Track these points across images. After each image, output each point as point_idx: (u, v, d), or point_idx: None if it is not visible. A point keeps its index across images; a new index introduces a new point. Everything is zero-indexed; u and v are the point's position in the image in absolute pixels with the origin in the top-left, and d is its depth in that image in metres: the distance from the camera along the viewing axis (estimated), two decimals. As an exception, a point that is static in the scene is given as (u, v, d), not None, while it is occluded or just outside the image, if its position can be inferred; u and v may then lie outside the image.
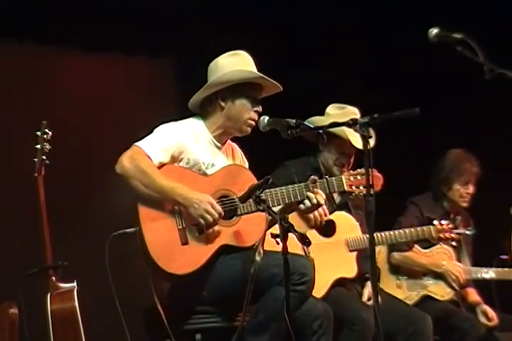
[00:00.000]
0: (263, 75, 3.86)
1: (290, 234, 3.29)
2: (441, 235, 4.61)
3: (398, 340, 4.41)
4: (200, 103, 3.94)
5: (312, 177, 3.79)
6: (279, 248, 3.28)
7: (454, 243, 4.88)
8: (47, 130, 4.20)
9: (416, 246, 4.95)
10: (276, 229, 3.36)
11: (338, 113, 4.51)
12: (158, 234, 3.66)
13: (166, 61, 6.22)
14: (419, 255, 4.99)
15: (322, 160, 4.62)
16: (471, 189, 5.09)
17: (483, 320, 4.97)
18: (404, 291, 4.98)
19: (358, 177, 3.78)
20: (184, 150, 3.79)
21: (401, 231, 4.59)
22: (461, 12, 6.12)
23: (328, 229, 4.39)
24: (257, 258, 3.37)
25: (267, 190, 3.63)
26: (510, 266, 5.06)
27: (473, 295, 5.12)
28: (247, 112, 3.86)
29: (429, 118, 4.23)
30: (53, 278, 4.00)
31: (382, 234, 4.55)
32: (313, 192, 3.74)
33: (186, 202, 3.65)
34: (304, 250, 3.82)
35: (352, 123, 3.28)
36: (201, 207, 3.64)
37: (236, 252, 3.72)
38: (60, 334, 3.87)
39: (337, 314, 3.92)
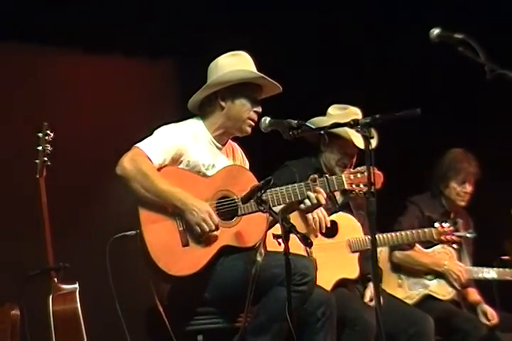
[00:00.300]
0: (263, 75, 3.86)
1: (292, 235, 3.29)
2: (442, 237, 4.62)
3: (400, 341, 4.42)
4: (199, 103, 3.94)
5: (312, 175, 3.79)
6: (281, 248, 3.28)
7: (455, 245, 4.90)
8: (48, 131, 4.20)
9: (417, 245, 4.95)
10: (278, 229, 3.36)
11: (339, 113, 4.51)
12: (159, 235, 3.66)
13: (166, 62, 6.21)
14: (420, 254, 5.00)
15: (324, 160, 4.62)
16: (468, 188, 5.10)
17: (483, 319, 4.97)
18: (405, 290, 4.99)
19: (358, 175, 3.78)
20: (184, 152, 3.79)
21: (402, 233, 4.59)
22: (461, 11, 6.11)
23: (330, 230, 4.39)
24: (258, 258, 3.36)
25: (267, 190, 3.63)
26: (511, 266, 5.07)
27: (473, 294, 5.13)
28: (246, 112, 3.85)
29: (430, 118, 4.23)
30: (55, 279, 4.00)
31: (384, 235, 4.55)
32: (314, 191, 3.74)
33: (185, 207, 3.65)
34: (306, 251, 3.81)
35: (353, 124, 3.29)
36: (199, 215, 3.64)
37: (237, 253, 3.72)
38: (61, 336, 3.86)
39: (339, 315, 3.91)
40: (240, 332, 3.59)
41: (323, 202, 3.76)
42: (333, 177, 3.81)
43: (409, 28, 5.86)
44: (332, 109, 4.61)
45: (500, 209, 5.08)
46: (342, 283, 4.36)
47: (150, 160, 3.69)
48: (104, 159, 4.06)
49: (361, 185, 3.76)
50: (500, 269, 5.04)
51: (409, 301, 4.87)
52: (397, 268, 5.02)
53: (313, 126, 3.60)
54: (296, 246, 3.37)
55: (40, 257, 4.01)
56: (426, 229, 4.62)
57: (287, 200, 3.74)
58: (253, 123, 3.84)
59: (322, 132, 3.60)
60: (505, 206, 5.05)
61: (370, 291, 4.47)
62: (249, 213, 3.72)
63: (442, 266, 4.97)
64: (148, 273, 3.69)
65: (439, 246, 5.00)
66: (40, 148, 4.16)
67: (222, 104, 3.87)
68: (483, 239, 5.00)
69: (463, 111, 6.16)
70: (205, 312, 3.77)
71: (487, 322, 4.96)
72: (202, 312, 3.77)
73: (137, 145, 3.74)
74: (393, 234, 4.57)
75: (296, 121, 3.53)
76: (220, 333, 3.76)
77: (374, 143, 3.38)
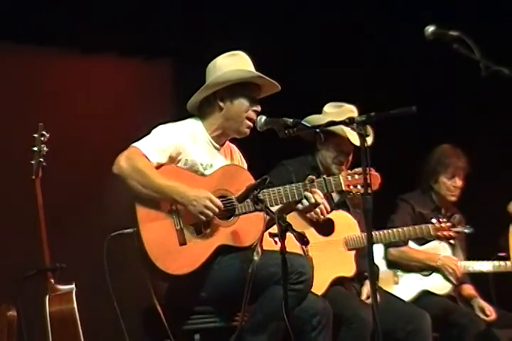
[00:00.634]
0: (262, 75, 3.85)
1: (289, 234, 3.29)
2: (439, 233, 4.62)
3: (397, 338, 4.41)
4: (198, 104, 3.94)
5: (310, 176, 3.79)
6: (278, 247, 3.28)
7: (452, 241, 4.90)
8: (44, 132, 4.19)
9: (410, 242, 4.96)
10: (274, 228, 3.36)
11: (335, 111, 4.50)
12: (156, 234, 3.66)
13: (164, 62, 6.20)
14: (415, 250, 5.01)
15: (320, 158, 4.62)
16: (458, 183, 5.12)
17: (480, 315, 4.98)
18: (401, 287, 4.99)
19: (356, 176, 3.77)
20: (182, 151, 3.79)
21: (399, 229, 4.60)
22: (456, 9, 6.12)
23: (326, 228, 4.39)
24: (255, 257, 3.36)
25: (264, 190, 3.63)
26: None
27: (469, 289, 5.14)
28: (245, 111, 3.85)
29: (426, 116, 4.23)
30: (52, 280, 4.00)
31: (381, 232, 4.56)
32: (311, 192, 3.74)
33: (185, 200, 3.65)
34: (303, 249, 3.81)
35: (349, 122, 3.29)
36: (200, 203, 3.64)
37: (234, 252, 3.72)
38: (58, 336, 3.86)
39: (336, 313, 3.93)
40: (237, 331, 3.59)
41: (321, 202, 3.77)
42: (331, 178, 3.81)
43: (408, 28, 5.86)
44: (328, 107, 4.61)
45: (497, 205, 5.09)
46: (339, 281, 4.36)
47: (147, 158, 3.69)
48: (101, 159, 4.06)
49: (359, 186, 3.75)
50: (495, 262, 5.04)
51: (405, 298, 4.87)
52: (393, 265, 5.02)
53: (308, 125, 3.59)
54: (292, 244, 3.37)
55: (36, 257, 4.01)
56: (423, 226, 4.63)
57: (285, 200, 3.74)
58: (251, 124, 3.84)
59: (318, 130, 3.59)
60: (502, 202, 5.07)
61: (366, 289, 4.47)
62: (246, 212, 3.72)
63: (437, 261, 4.98)
64: (146, 272, 3.69)
65: (432, 243, 5.01)
66: (35, 148, 4.16)
67: (221, 104, 3.87)
68: (478, 234, 4.99)
69: (460, 109, 6.16)
70: (203, 311, 3.77)
71: (485, 318, 4.96)
72: (199, 311, 3.76)
73: (134, 144, 3.74)
74: (389, 230, 4.58)
75: (291, 120, 3.53)
76: (217, 332, 3.76)
77: (370, 140, 3.38)
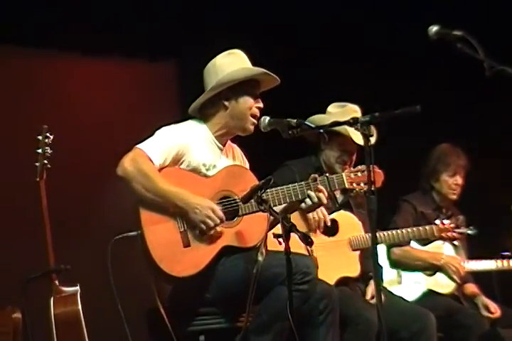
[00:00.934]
0: (266, 71, 3.85)
1: (293, 234, 3.29)
2: (443, 234, 4.63)
3: (402, 338, 4.40)
4: (199, 106, 3.93)
5: (312, 175, 3.79)
6: (282, 248, 3.27)
7: (455, 242, 4.90)
8: (48, 134, 4.20)
9: (412, 243, 4.96)
10: (278, 229, 3.35)
11: (338, 111, 4.50)
12: (160, 236, 3.66)
13: (166, 63, 6.21)
14: (417, 249, 5.01)
15: (324, 158, 4.62)
16: (459, 180, 5.13)
17: (484, 312, 4.97)
18: (405, 286, 4.99)
19: (359, 174, 3.78)
20: (185, 153, 3.78)
21: (403, 230, 4.59)
22: (461, 11, 6.11)
23: (331, 229, 4.39)
24: (260, 258, 3.35)
25: (268, 190, 3.62)
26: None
27: (472, 287, 5.14)
28: (250, 109, 3.85)
29: (430, 116, 4.22)
30: (56, 281, 4.01)
31: (385, 233, 4.56)
32: (315, 190, 3.74)
33: (187, 207, 3.65)
34: (308, 249, 3.81)
35: (353, 122, 3.28)
36: (202, 212, 3.63)
37: (238, 253, 3.72)
38: (63, 338, 3.87)
39: (341, 313, 3.91)
40: (242, 332, 3.59)
41: (325, 201, 3.76)
42: (334, 176, 3.81)
43: (409, 27, 5.85)
44: (331, 107, 4.61)
45: (500, 205, 5.08)
46: (343, 282, 4.36)
47: (151, 160, 3.68)
48: (105, 161, 4.06)
49: (361, 184, 3.76)
50: (498, 260, 5.03)
51: (409, 297, 4.87)
52: (396, 264, 5.02)
53: (312, 125, 3.58)
54: (296, 245, 3.37)
55: (41, 259, 4.02)
56: (427, 227, 4.63)
57: (288, 200, 3.74)
58: (256, 121, 3.83)
59: (321, 131, 3.59)
60: (505, 202, 5.06)
61: (371, 289, 4.46)
62: (250, 213, 3.72)
63: (440, 260, 4.99)
64: (150, 275, 3.69)
65: (435, 243, 5.01)
66: (39, 150, 4.17)
67: (226, 103, 3.86)
68: (485, 236, 4.99)
69: (463, 110, 6.16)
70: (207, 312, 3.77)
71: (490, 315, 4.96)
72: (204, 312, 3.76)
73: (138, 146, 3.73)
74: (393, 231, 4.57)
75: (295, 120, 3.53)
76: (222, 333, 3.76)
77: (373, 140, 3.37)
